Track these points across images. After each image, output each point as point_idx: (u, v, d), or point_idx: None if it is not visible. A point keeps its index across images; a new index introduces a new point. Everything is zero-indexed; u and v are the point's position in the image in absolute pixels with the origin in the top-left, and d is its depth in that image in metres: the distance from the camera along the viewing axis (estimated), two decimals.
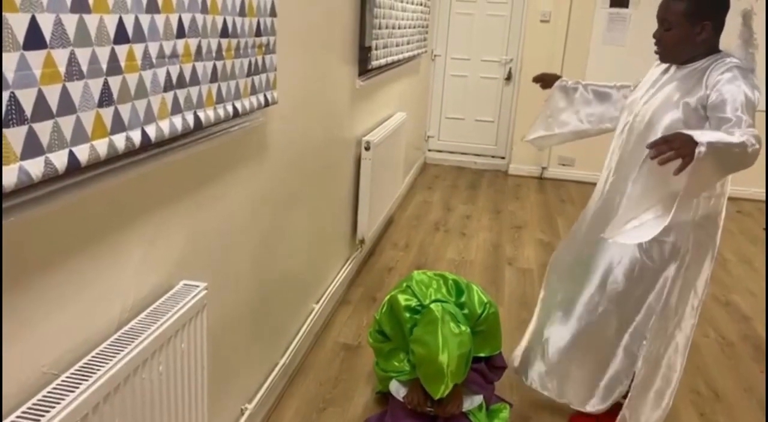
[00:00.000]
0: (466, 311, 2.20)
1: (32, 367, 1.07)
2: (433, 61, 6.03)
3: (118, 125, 1.09)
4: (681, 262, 1.96)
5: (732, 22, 1.87)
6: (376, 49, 3.24)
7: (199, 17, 1.35)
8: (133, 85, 1.12)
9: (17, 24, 0.85)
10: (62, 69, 0.94)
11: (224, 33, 1.47)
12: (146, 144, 1.19)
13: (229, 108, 1.55)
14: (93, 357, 1.15)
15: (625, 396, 2.10)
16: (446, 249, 4.01)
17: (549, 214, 4.83)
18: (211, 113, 1.45)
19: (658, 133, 1.86)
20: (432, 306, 2.13)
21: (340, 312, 3.09)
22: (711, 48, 1.87)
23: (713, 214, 1.95)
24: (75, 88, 0.97)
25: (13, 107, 0.86)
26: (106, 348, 1.19)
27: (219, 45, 1.45)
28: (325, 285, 2.98)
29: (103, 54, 1.03)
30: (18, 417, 0.99)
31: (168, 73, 1.24)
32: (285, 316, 2.44)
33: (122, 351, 1.18)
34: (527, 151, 5.93)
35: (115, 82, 1.07)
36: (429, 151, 6.31)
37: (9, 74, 0.84)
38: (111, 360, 1.15)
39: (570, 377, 2.19)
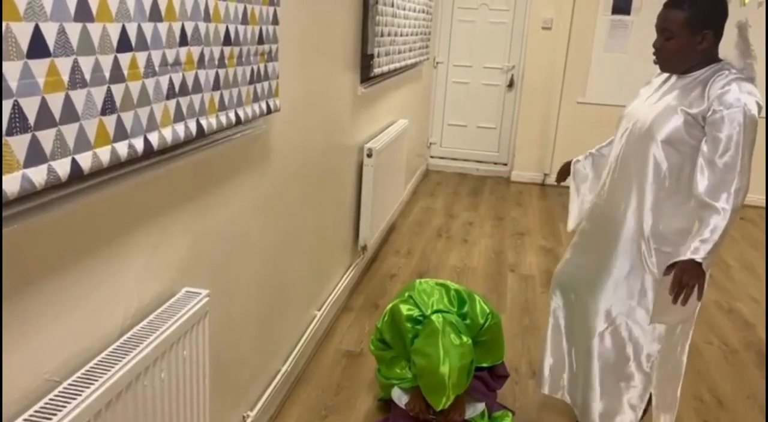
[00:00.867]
0: (468, 321, 2.20)
1: (34, 374, 1.07)
2: (435, 68, 6.04)
3: (121, 133, 1.10)
4: None
5: (727, 33, 1.88)
6: (379, 56, 3.25)
7: (202, 25, 1.35)
8: (136, 93, 1.13)
9: (21, 33, 0.86)
10: (65, 77, 0.94)
11: (227, 41, 1.48)
12: (149, 151, 1.19)
13: (232, 115, 1.56)
14: (95, 364, 1.16)
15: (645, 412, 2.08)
16: (448, 256, 4.01)
17: (551, 221, 4.83)
18: (213, 121, 1.46)
19: (658, 142, 1.87)
20: (433, 317, 2.12)
21: (342, 319, 3.09)
22: (711, 57, 1.86)
23: None
24: (78, 96, 0.97)
25: (17, 115, 0.86)
26: (108, 355, 1.19)
27: (221, 53, 1.46)
28: (327, 291, 2.98)
29: (106, 62, 1.04)
30: None
31: (171, 81, 1.25)
32: (287, 323, 2.44)
33: (124, 358, 1.18)
34: (529, 158, 5.94)
35: (117, 90, 1.07)
36: (431, 157, 6.31)
37: (13, 83, 0.85)
38: (113, 367, 1.15)
39: (591, 407, 2.16)
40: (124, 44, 1.08)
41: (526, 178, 5.98)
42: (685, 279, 1.68)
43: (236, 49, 1.54)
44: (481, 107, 6.07)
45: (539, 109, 5.79)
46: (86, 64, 0.99)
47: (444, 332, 2.05)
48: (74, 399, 1.05)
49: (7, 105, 0.84)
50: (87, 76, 0.99)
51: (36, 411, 1.02)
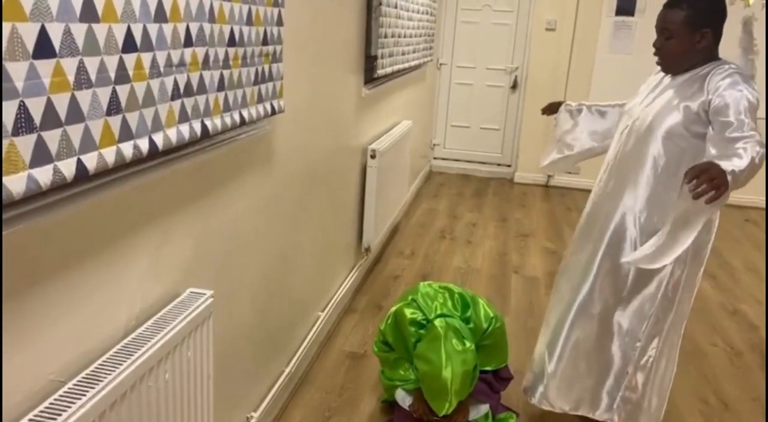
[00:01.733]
0: (471, 325, 2.19)
1: (39, 375, 1.07)
2: (439, 70, 6.04)
3: (126, 133, 1.10)
4: (683, 265, 1.95)
5: (730, 31, 1.89)
6: (382, 57, 3.25)
7: (207, 26, 1.35)
8: (141, 94, 1.13)
9: (27, 33, 0.86)
10: (71, 78, 0.94)
11: (231, 42, 1.48)
12: (154, 152, 1.19)
13: (236, 116, 1.56)
14: (100, 364, 1.16)
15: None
16: (452, 258, 4.00)
17: (555, 222, 4.82)
18: (218, 121, 1.46)
19: (658, 137, 1.89)
20: (436, 322, 2.12)
21: (346, 320, 3.08)
22: (710, 56, 1.89)
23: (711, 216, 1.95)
24: (83, 97, 0.98)
25: (23, 115, 0.86)
26: (112, 355, 1.19)
27: (226, 54, 1.46)
28: (331, 293, 2.98)
29: (112, 63, 1.04)
30: None
31: (176, 82, 1.25)
32: (290, 324, 2.43)
33: (129, 358, 1.18)
34: (533, 159, 5.92)
35: (123, 91, 1.07)
36: (434, 158, 6.31)
37: (19, 83, 0.85)
38: (117, 367, 1.15)
39: (575, 385, 2.18)
40: (129, 45, 1.08)
41: (530, 179, 5.98)
42: (713, 172, 1.53)
43: (241, 50, 1.54)
44: (485, 108, 6.07)
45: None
46: (92, 64, 0.99)
47: (447, 337, 2.04)
48: (79, 399, 1.05)
49: (13, 105, 0.84)
50: (92, 77, 0.99)
51: (41, 412, 1.02)
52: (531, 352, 2.85)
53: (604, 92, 5.47)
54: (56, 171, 0.93)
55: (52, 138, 0.92)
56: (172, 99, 1.24)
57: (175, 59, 1.24)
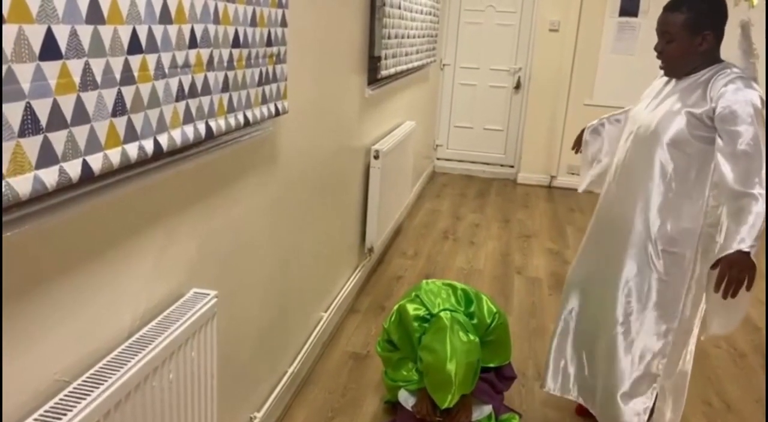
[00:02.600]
0: (475, 321, 2.19)
1: (44, 375, 1.08)
2: (442, 70, 6.04)
3: (131, 134, 1.10)
4: (692, 272, 1.95)
5: (731, 33, 1.89)
6: (386, 58, 3.25)
7: (211, 28, 1.36)
8: (146, 95, 1.14)
9: (33, 35, 0.86)
10: (77, 79, 0.95)
11: (236, 43, 1.49)
12: (158, 153, 1.20)
13: (240, 117, 1.56)
14: (104, 364, 1.16)
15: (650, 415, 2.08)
16: (455, 258, 4.00)
17: (558, 223, 4.82)
18: (222, 122, 1.46)
19: (663, 144, 1.88)
20: (441, 314, 2.13)
21: (349, 320, 3.09)
22: (712, 58, 1.88)
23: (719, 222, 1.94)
24: (89, 98, 0.98)
25: (29, 117, 0.87)
26: (117, 355, 1.19)
27: (230, 55, 1.47)
28: (334, 293, 2.98)
29: (117, 64, 1.04)
30: None
31: (180, 83, 1.25)
32: (294, 325, 2.44)
33: (133, 358, 1.19)
34: (536, 160, 5.93)
35: (128, 92, 1.08)
36: (438, 159, 6.31)
37: (25, 85, 0.85)
38: (122, 367, 1.15)
39: (597, 395, 2.16)
40: (134, 46, 1.08)
41: (533, 180, 5.97)
42: (734, 272, 1.65)
43: (245, 52, 1.54)
44: (488, 109, 6.07)
45: (546, 111, 5.78)
46: (97, 66, 0.99)
47: (452, 329, 2.04)
48: (84, 399, 1.06)
49: (20, 107, 0.85)
50: (98, 78, 1.00)
51: (46, 411, 1.03)
52: (534, 353, 2.86)
53: (607, 93, 5.48)
54: (62, 172, 0.94)
55: (58, 139, 0.93)
56: (177, 100, 1.25)
57: (180, 60, 1.24)
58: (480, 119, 6.12)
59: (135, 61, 1.09)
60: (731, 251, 1.67)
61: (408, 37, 3.75)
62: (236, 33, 1.48)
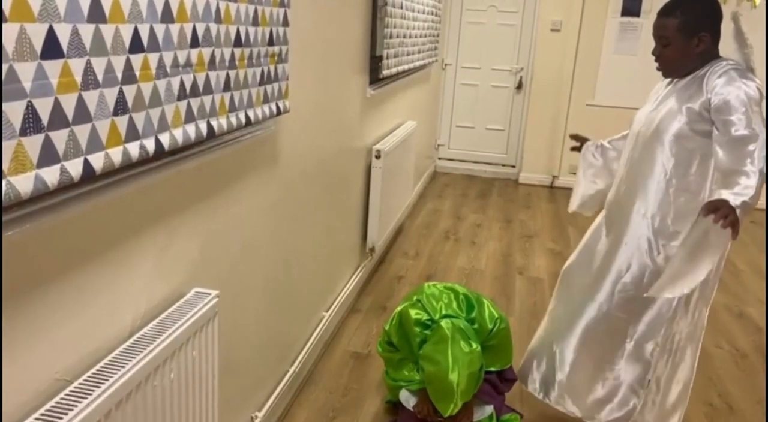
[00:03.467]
0: (476, 326, 2.19)
1: (45, 374, 1.07)
2: (444, 70, 6.04)
3: (133, 134, 1.10)
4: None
5: (724, 27, 1.90)
6: (387, 58, 3.25)
7: (213, 27, 1.36)
8: (148, 94, 1.13)
9: (35, 34, 0.86)
10: (78, 78, 0.95)
11: (237, 42, 1.48)
12: (160, 152, 1.20)
13: (242, 117, 1.56)
14: (105, 364, 1.16)
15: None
16: (456, 258, 4.00)
17: (560, 224, 4.81)
18: (223, 122, 1.46)
19: (665, 142, 1.90)
20: (442, 323, 2.12)
21: (350, 320, 3.09)
22: (710, 57, 1.90)
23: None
24: (90, 97, 0.98)
25: (30, 116, 0.87)
26: (118, 355, 1.19)
27: (232, 54, 1.46)
28: (335, 293, 2.98)
29: (119, 63, 1.04)
30: None
31: (182, 82, 1.25)
32: (295, 324, 2.44)
33: (134, 358, 1.18)
34: (538, 160, 5.92)
35: (129, 91, 1.08)
36: (439, 159, 6.31)
37: (27, 83, 0.85)
38: (123, 367, 1.15)
39: (580, 390, 2.17)
40: (136, 45, 1.08)
41: (535, 180, 5.97)
42: (725, 210, 1.59)
43: (247, 51, 1.54)
44: (490, 109, 6.06)
45: (548, 111, 5.77)
46: (99, 64, 0.99)
47: (454, 339, 2.04)
48: (85, 398, 1.05)
49: (21, 105, 0.85)
50: (99, 77, 1.00)
51: (47, 410, 1.02)
52: None
53: (609, 93, 5.48)
54: (63, 171, 0.94)
55: (60, 138, 0.92)
56: (179, 99, 1.25)
57: (182, 60, 1.24)
58: (481, 119, 6.12)
59: (137, 60, 1.09)
60: (715, 198, 1.65)
61: (409, 37, 3.75)
62: (238, 32, 1.48)
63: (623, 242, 2.02)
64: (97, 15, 0.98)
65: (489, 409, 2.22)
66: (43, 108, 0.89)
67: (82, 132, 0.97)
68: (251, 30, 1.56)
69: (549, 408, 2.46)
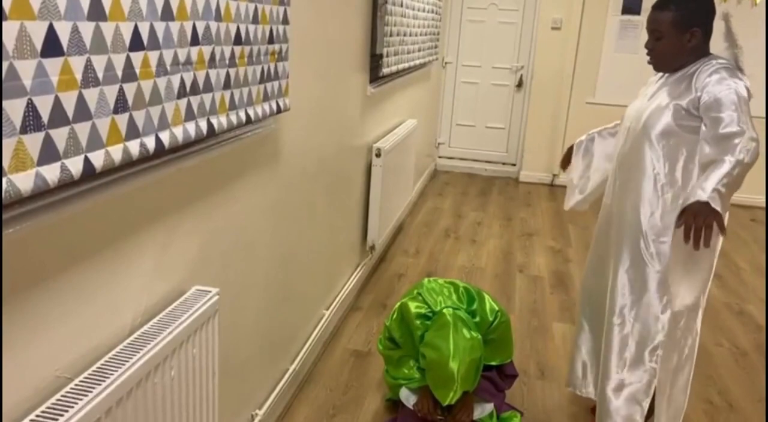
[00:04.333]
0: (477, 319, 2.19)
1: (46, 371, 1.08)
2: (444, 68, 6.04)
3: (133, 131, 1.10)
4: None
5: (714, 26, 1.92)
6: (387, 56, 3.25)
7: (213, 25, 1.36)
8: (148, 92, 1.14)
9: (35, 31, 0.86)
10: (78, 76, 0.95)
11: (237, 40, 1.49)
12: (160, 150, 1.20)
13: (242, 114, 1.56)
14: (106, 361, 1.16)
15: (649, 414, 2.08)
16: (457, 256, 4.00)
17: (560, 222, 4.81)
18: (224, 120, 1.46)
19: (652, 137, 1.92)
20: (444, 310, 2.13)
21: (351, 318, 3.09)
22: (701, 53, 1.92)
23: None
24: (91, 95, 0.98)
25: (31, 114, 0.87)
26: (118, 352, 1.20)
27: (232, 52, 1.46)
28: (336, 291, 2.98)
29: (119, 61, 1.04)
30: (31, 420, 1.00)
31: (182, 80, 1.25)
32: (295, 322, 2.44)
33: (135, 355, 1.19)
34: (538, 158, 5.92)
35: (130, 89, 1.08)
36: (439, 157, 6.31)
37: (27, 81, 0.85)
38: (124, 364, 1.15)
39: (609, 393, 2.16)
40: (136, 43, 1.08)
41: (535, 178, 5.97)
42: (698, 221, 1.63)
43: (247, 49, 1.54)
44: (490, 107, 6.06)
45: (548, 110, 5.77)
46: (99, 62, 0.99)
47: (455, 326, 2.04)
48: (85, 396, 1.06)
49: (22, 103, 0.85)
50: (100, 75, 1.00)
51: (47, 408, 1.03)
52: (535, 351, 2.86)
53: (609, 91, 5.47)
54: (64, 168, 0.94)
55: (60, 136, 0.93)
56: (179, 97, 1.25)
57: (182, 58, 1.24)
58: (482, 117, 6.12)
59: (137, 58, 1.09)
60: (691, 201, 1.68)
61: (410, 35, 3.75)
62: (238, 30, 1.48)
63: (622, 240, 2.03)
64: (97, 13, 0.98)
65: (489, 407, 2.22)
66: (44, 106, 0.89)
67: (83, 130, 0.97)
68: (251, 28, 1.56)
69: (549, 405, 2.47)
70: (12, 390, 1.00)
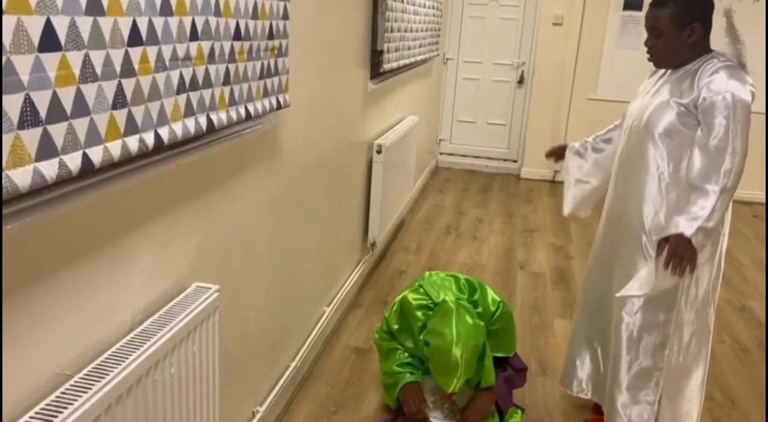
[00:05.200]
0: (479, 309, 2.18)
1: (45, 368, 1.07)
2: (445, 65, 6.02)
3: (132, 127, 1.10)
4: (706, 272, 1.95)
5: (716, 22, 1.91)
6: (388, 52, 3.24)
7: (212, 20, 1.35)
8: (147, 88, 1.13)
9: (32, 26, 0.85)
10: (76, 71, 0.94)
11: (237, 36, 1.48)
12: (159, 146, 1.19)
13: (242, 110, 1.55)
14: (106, 358, 1.16)
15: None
16: (458, 253, 4.00)
17: (561, 218, 4.80)
18: (223, 116, 1.45)
19: (655, 135, 1.91)
20: (447, 298, 2.12)
21: (351, 315, 3.08)
22: (702, 49, 1.90)
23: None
24: (89, 90, 0.97)
25: (28, 109, 0.86)
26: (118, 349, 1.19)
27: (232, 48, 1.46)
28: (336, 288, 2.98)
29: (117, 56, 1.04)
30: (31, 417, 1.00)
31: (181, 76, 1.25)
32: (296, 319, 2.44)
33: (135, 352, 1.18)
34: (539, 155, 5.89)
35: (128, 85, 1.07)
36: (440, 154, 6.30)
37: (24, 76, 0.85)
38: (124, 361, 1.15)
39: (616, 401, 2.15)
40: (134, 38, 1.08)
41: (537, 174, 5.96)
42: (681, 250, 1.72)
43: (246, 44, 1.53)
44: (491, 104, 6.05)
45: (550, 106, 5.76)
46: (97, 58, 0.99)
47: (458, 313, 2.03)
48: (85, 392, 1.05)
49: (19, 98, 0.84)
50: (98, 70, 0.99)
51: (47, 405, 1.02)
52: (536, 348, 2.86)
53: (611, 87, 5.45)
54: (62, 165, 0.93)
55: (58, 131, 0.92)
56: (178, 93, 1.24)
57: (181, 53, 1.24)
58: (483, 114, 6.10)
59: (135, 53, 1.08)
60: (675, 232, 1.75)
61: (411, 31, 3.73)
62: (237, 25, 1.47)
63: (625, 239, 2.02)
64: (95, 8, 0.97)
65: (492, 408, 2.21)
66: (41, 101, 0.88)
67: (81, 125, 0.97)
68: (251, 23, 1.55)
69: (551, 402, 2.46)
70: (12, 386, 1.00)
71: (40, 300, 1.04)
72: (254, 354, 2.03)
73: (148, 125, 1.15)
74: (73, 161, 0.96)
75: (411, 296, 2.22)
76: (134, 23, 1.07)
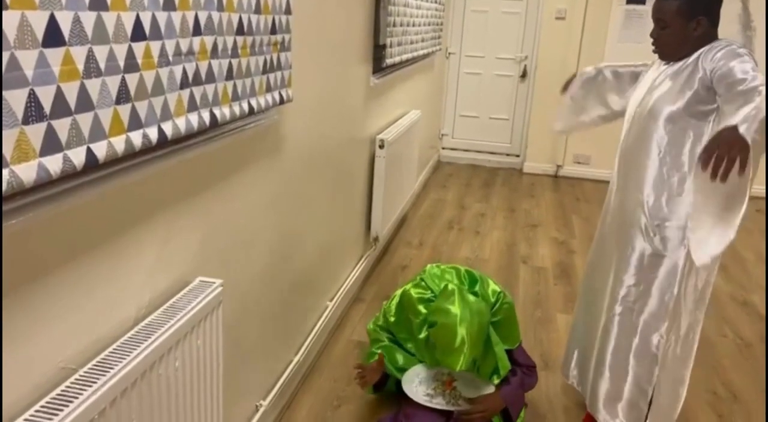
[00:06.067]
0: (481, 300, 2.18)
1: (50, 363, 1.08)
2: (448, 59, 6.01)
3: (135, 122, 1.10)
4: (689, 247, 1.94)
5: (730, 7, 1.88)
6: (391, 46, 3.24)
7: (215, 15, 1.35)
8: (150, 83, 1.13)
9: (36, 21, 0.86)
10: (80, 66, 0.95)
11: (240, 30, 1.48)
12: (162, 141, 1.20)
13: (245, 105, 1.56)
14: (110, 352, 1.16)
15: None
16: (460, 248, 4.00)
17: (564, 213, 4.80)
18: (226, 111, 1.46)
19: (659, 123, 1.90)
20: (449, 284, 2.13)
21: (354, 310, 3.09)
22: (708, 41, 1.88)
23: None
24: (93, 86, 0.98)
25: (33, 104, 0.86)
26: (123, 343, 1.20)
27: (235, 42, 1.46)
28: (339, 283, 2.98)
29: (121, 51, 1.04)
30: (36, 411, 1.00)
31: (184, 71, 1.25)
32: (299, 314, 2.44)
33: (139, 346, 1.19)
34: (542, 149, 5.90)
35: (132, 80, 1.07)
36: (443, 149, 6.29)
37: (28, 72, 0.85)
38: (128, 355, 1.16)
39: (598, 389, 2.16)
40: (138, 33, 1.08)
41: (539, 169, 5.95)
42: (723, 150, 1.48)
43: (249, 39, 1.53)
44: (494, 98, 6.04)
45: (552, 100, 5.71)
46: (101, 53, 0.99)
47: (461, 292, 2.04)
48: (90, 386, 1.06)
49: (23, 94, 0.85)
50: (102, 65, 0.99)
51: (52, 398, 1.03)
52: (539, 342, 2.86)
53: None
54: (66, 159, 0.93)
55: (62, 126, 0.92)
56: (181, 88, 1.24)
57: (184, 48, 1.24)
58: (486, 108, 6.09)
59: (138, 48, 1.08)
60: (726, 126, 1.54)
61: (413, 26, 3.73)
62: (240, 20, 1.47)
63: (626, 226, 2.02)
64: (98, 3, 0.97)
65: None
66: (46, 96, 0.88)
67: (85, 120, 0.97)
68: (254, 18, 1.55)
69: (554, 397, 2.47)
70: (16, 380, 1.00)
71: (44, 295, 1.04)
72: (258, 348, 2.03)
73: (151, 120, 1.15)
74: (78, 156, 0.96)
75: (413, 290, 2.22)
76: (137, 18, 1.07)
